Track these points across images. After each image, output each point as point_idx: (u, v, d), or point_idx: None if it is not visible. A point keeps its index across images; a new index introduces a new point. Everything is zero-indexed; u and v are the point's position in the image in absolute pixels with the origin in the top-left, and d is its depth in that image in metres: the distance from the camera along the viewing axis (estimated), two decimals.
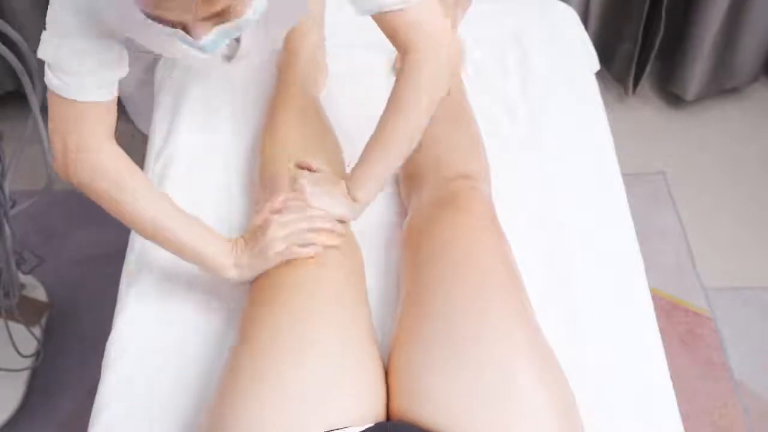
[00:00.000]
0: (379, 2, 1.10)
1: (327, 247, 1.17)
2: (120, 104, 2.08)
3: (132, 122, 2.10)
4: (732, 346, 1.79)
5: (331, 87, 1.57)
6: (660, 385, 1.17)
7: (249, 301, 1.15)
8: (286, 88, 1.47)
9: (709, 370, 1.75)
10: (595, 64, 1.73)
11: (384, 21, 1.13)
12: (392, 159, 1.22)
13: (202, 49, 0.98)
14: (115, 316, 1.28)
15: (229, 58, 1.38)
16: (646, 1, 2.04)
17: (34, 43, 1.33)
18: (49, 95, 1.11)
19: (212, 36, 0.96)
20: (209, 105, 1.55)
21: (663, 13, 2.05)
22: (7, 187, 1.50)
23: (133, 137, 1.98)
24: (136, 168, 1.18)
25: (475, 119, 1.43)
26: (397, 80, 1.18)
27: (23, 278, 1.80)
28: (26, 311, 1.70)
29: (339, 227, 1.20)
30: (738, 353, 1.78)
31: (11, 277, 1.61)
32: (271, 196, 1.23)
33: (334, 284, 1.14)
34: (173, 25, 0.94)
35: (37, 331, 1.77)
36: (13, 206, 1.52)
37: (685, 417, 1.15)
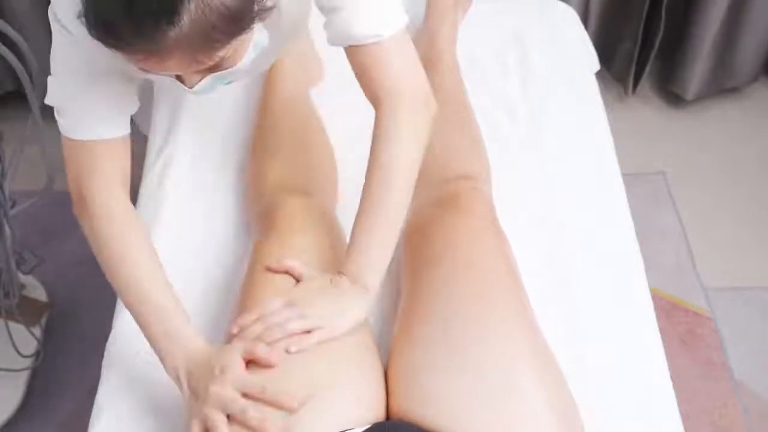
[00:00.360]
0: (349, 32, 1.03)
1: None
2: None
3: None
4: (732, 346, 1.79)
5: (331, 87, 1.56)
6: (660, 385, 1.17)
7: (243, 301, 1.14)
8: (272, 86, 1.47)
9: (709, 370, 1.75)
10: (595, 64, 1.73)
11: (355, 58, 1.06)
12: (386, 236, 1.08)
13: (194, 93, 0.97)
14: (115, 316, 1.28)
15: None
16: (646, 0, 2.04)
17: (34, 43, 1.33)
18: (62, 141, 1.08)
19: (205, 83, 0.95)
20: (209, 104, 1.55)
21: (663, 13, 2.05)
22: (7, 187, 1.49)
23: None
24: (142, 231, 1.11)
25: (476, 119, 1.43)
26: (373, 153, 1.08)
27: (23, 278, 1.80)
28: (26, 311, 1.70)
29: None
30: (738, 353, 1.78)
31: (11, 277, 1.61)
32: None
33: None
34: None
35: (37, 331, 1.77)
36: (13, 206, 1.52)
37: (685, 417, 1.15)
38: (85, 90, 1.04)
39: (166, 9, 0.78)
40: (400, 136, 1.07)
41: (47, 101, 1.06)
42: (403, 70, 1.08)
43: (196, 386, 1.00)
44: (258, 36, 0.96)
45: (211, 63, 0.88)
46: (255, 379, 0.97)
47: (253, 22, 0.86)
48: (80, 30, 0.85)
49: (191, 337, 1.04)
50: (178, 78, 0.95)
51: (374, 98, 1.08)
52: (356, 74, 1.09)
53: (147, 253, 1.10)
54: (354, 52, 1.06)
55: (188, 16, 0.78)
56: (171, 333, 1.04)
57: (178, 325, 1.05)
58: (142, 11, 0.78)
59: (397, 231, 1.09)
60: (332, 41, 1.08)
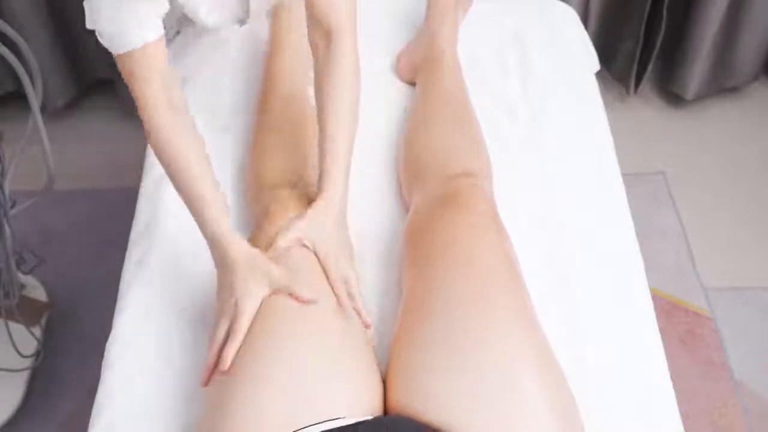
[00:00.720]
0: None
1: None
2: (124, 105, 2.08)
3: (129, 122, 2.10)
4: (732, 346, 1.79)
5: None
6: (660, 385, 1.17)
7: None
8: (271, 84, 1.48)
9: (709, 370, 1.75)
10: (595, 64, 1.73)
11: None
12: (347, 155, 1.24)
13: None
14: (115, 316, 1.28)
15: (242, 22, 1.39)
16: (647, 0, 2.04)
17: (34, 43, 1.33)
18: (116, 61, 1.14)
19: None
20: (209, 103, 1.55)
21: (664, 13, 2.05)
22: (7, 187, 1.49)
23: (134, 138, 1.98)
24: (189, 133, 1.20)
25: (477, 118, 1.43)
26: (323, 75, 1.23)
27: (23, 278, 1.80)
28: (26, 311, 1.70)
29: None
30: (738, 353, 1.78)
31: (11, 277, 1.61)
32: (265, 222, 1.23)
33: (322, 278, 1.14)
34: None
35: (37, 331, 1.77)
36: (13, 206, 1.52)
37: (685, 417, 1.15)
38: (119, 8, 1.08)
39: None
40: (350, 54, 1.24)
41: (88, 25, 1.11)
42: (349, 6, 1.22)
43: (221, 284, 1.14)
44: None
45: None
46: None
47: None
48: None
49: (238, 239, 1.15)
50: None
51: (324, 34, 1.23)
52: (309, 7, 1.22)
53: (195, 154, 1.20)
54: None
55: None
56: (223, 228, 1.15)
57: (227, 226, 1.16)
58: None
59: (353, 139, 1.26)
60: None
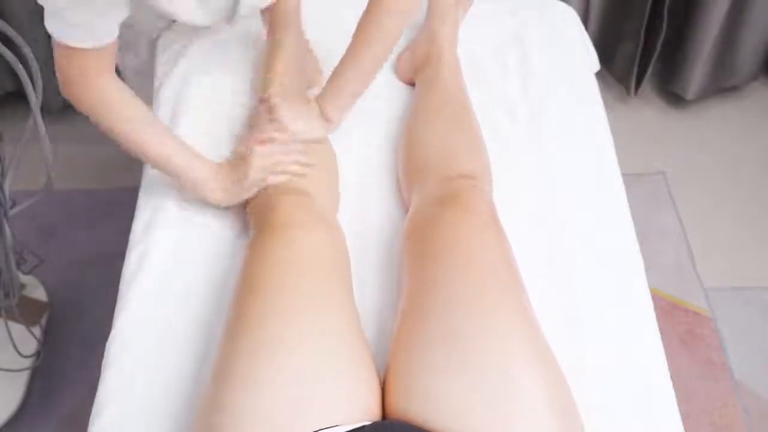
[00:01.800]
0: None
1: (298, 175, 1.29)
2: None
3: None
4: (732, 346, 1.79)
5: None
6: (660, 385, 1.17)
7: (235, 298, 1.14)
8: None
9: (709, 370, 1.75)
10: (595, 64, 1.73)
11: None
12: (362, 80, 1.34)
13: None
14: (115, 316, 1.28)
15: (229, 18, 1.39)
16: (647, 1, 2.04)
17: (34, 43, 1.33)
18: (55, 45, 1.18)
19: None
20: (209, 105, 1.55)
21: (665, 13, 2.05)
22: (7, 187, 1.49)
23: None
24: (136, 98, 1.28)
25: (476, 119, 1.43)
26: (369, 3, 1.27)
27: (23, 278, 1.80)
28: (26, 311, 1.70)
29: (313, 160, 1.31)
30: (738, 353, 1.78)
31: (11, 277, 1.61)
32: (252, 128, 1.35)
33: (320, 279, 1.14)
34: None
35: (37, 331, 1.77)
36: (13, 206, 1.52)
37: (685, 417, 1.15)
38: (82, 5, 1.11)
39: None
40: (391, 11, 1.28)
41: (40, 1, 1.12)
42: None
43: (237, 172, 1.30)
44: None
45: None
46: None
47: None
48: None
49: (209, 162, 1.33)
50: None
51: None
52: None
53: (150, 117, 1.31)
54: None
55: None
56: (197, 160, 1.32)
57: (199, 155, 1.33)
58: None
59: (375, 74, 1.36)
60: None
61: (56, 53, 1.21)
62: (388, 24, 1.29)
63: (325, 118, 1.37)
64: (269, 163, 1.29)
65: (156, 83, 1.63)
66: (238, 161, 1.31)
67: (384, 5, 1.28)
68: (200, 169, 1.32)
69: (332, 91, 1.37)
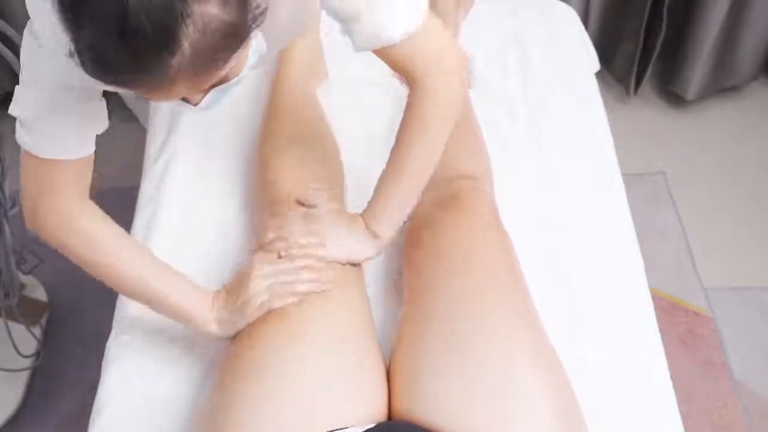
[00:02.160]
0: (379, 36, 1.03)
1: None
2: (124, 106, 2.08)
3: (129, 122, 2.10)
4: (732, 346, 1.79)
5: (338, 88, 1.56)
6: (660, 385, 1.17)
7: None
8: (281, 87, 1.47)
9: (709, 370, 1.75)
10: (595, 64, 1.73)
11: (385, 54, 1.06)
12: (408, 191, 1.16)
13: (200, 110, 0.93)
14: (115, 315, 1.28)
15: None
16: (647, 1, 2.04)
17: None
18: (23, 156, 1.04)
19: (209, 98, 0.90)
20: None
21: (665, 13, 2.05)
22: (7, 187, 1.49)
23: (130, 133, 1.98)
24: (113, 225, 1.12)
25: (477, 120, 1.43)
26: (406, 110, 1.12)
27: (23, 278, 1.80)
28: (26, 311, 1.70)
29: (325, 275, 1.13)
30: (738, 353, 1.78)
31: (11, 277, 1.61)
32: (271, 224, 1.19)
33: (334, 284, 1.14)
34: None
35: (37, 331, 1.77)
36: (13, 206, 1.52)
37: (685, 417, 1.15)
38: (57, 108, 0.99)
39: (164, 38, 0.72)
40: (436, 92, 1.10)
41: (12, 111, 0.99)
42: (434, 50, 1.09)
43: (236, 300, 1.11)
44: (256, 41, 0.92)
45: (213, 82, 0.85)
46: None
47: (251, 31, 0.81)
48: (56, 45, 0.78)
49: (204, 292, 1.14)
50: (182, 98, 0.90)
51: (409, 78, 1.10)
52: (389, 64, 1.09)
53: (132, 247, 1.14)
54: (384, 52, 1.06)
55: (188, 41, 0.73)
56: (189, 290, 1.13)
57: (192, 283, 1.14)
58: (139, 45, 0.72)
59: (423, 185, 1.15)
60: (359, 48, 1.06)
61: (22, 171, 1.07)
62: (429, 118, 1.12)
63: (373, 234, 1.18)
64: (269, 284, 1.11)
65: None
66: (237, 287, 1.13)
67: (421, 111, 1.11)
68: (193, 306, 1.13)
69: (377, 206, 1.18)
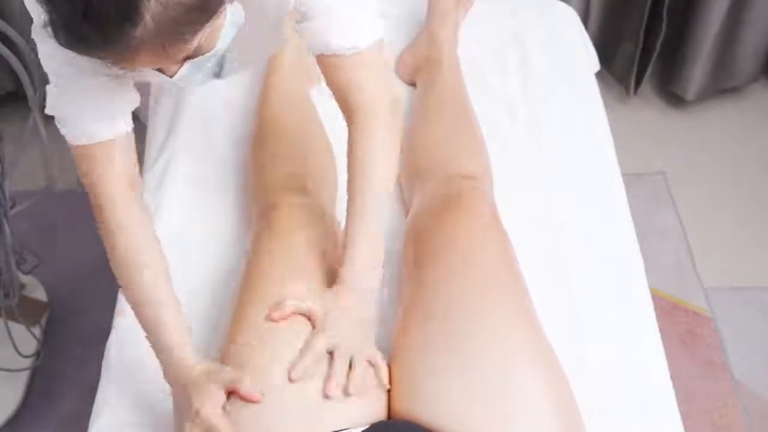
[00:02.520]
0: (328, 42, 1.02)
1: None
2: None
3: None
4: (732, 346, 1.79)
5: (321, 95, 1.56)
6: (660, 385, 1.17)
7: (239, 302, 1.14)
8: (272, 84, 1.47)
9: (709, 370, 1.75)
10: (595, 65, 1.73)
11: (330, 66, 1.05)
12: (376, 233, 1.11)
13: (177, 82, 0.93)
14: (115, 315, 1.28)
15: (217, 74, 1.33)
16: (647, 1, 2.04)
17: (34, 43, 1.32)
18: (71, 150, 1.05)
19: (184, 70, 0.90)
20: (211, 102, 1.55)
21: (665, 13, 2.05)
22: (7, 187, 1.49)
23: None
24: (144, 228, 1.12)
25: (477, 119, 1.43)
26: (349, 151, 1.09)
27: (23, 278, 1.80)
28: (26, 311, 1.70)
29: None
30: (738, 353, 1.78)
31: (11, 277, 1.61)
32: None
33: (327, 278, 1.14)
34: None
35: (37, 331, 1.77)
36: (13, 206, 1.52)
37: (685, 417, 1.15)
38: (79, 94, 1.00)
39: (126, 11, 0.74)
40: (376, 151, 1.09)
41: (48, 111, 1.03)
42: (377, 83, 1.08)
43: (179, 413, 1.04)
44: (233, 15, 0.91)
45: (184, 54, 0.85)
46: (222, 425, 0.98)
47: (219, 6, 0.82)
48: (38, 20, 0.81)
49: (187, 364, 1.05)
50: (158, 69, 0.91)
51: (347, 109, 1.09)
52: (328, 81, 1.08)
53: (153, 267, 1.11)
54: (328, 62, 1.05)
55: (150, 13, 0.75)
56: (172, 357, 1.06)
57: (179, 352, 1.06)
58: (101, 17, 0.75)
59: (383, 229, 1.12)
60: (309, 48, 1.05)
61: (80, 173, 1.07)
62: (376, 166, 1.09)
63: (363, 298, 1.10)
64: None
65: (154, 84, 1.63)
66: (202, 389, 1.02)
67: (367, 148, 1.09)
68: (177, 370, 1.06)
69: (355, 270, 1.10)
